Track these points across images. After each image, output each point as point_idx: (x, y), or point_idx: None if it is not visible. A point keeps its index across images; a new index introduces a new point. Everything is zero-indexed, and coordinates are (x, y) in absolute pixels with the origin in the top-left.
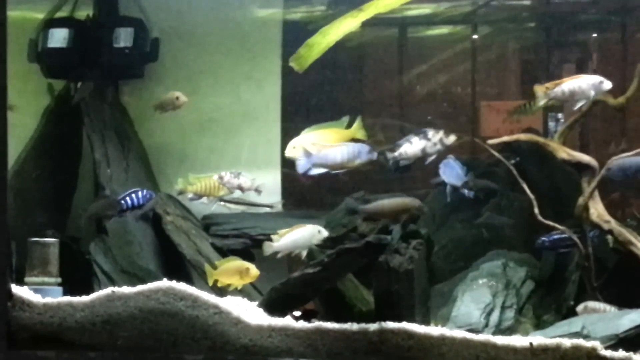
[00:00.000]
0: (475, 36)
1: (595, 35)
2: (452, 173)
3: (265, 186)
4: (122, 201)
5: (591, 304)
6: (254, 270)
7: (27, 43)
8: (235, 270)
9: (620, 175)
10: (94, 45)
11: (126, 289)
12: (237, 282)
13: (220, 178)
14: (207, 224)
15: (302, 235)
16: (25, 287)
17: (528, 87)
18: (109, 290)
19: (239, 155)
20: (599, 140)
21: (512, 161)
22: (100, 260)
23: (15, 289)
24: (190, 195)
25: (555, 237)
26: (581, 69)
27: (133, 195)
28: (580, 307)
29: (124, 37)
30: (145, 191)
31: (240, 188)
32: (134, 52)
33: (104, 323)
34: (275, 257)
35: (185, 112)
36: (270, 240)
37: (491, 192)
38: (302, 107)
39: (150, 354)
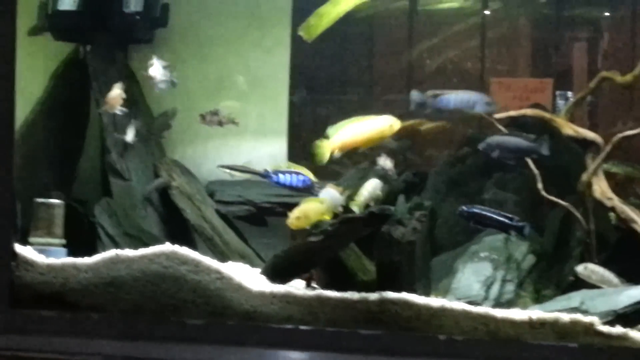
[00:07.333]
0: (486, 11)
1: (607, 12)
2: None
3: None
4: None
5: (591, 265)
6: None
7: (36, 5)
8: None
9: (496, 151)
10: (104, 8)
11: (130, 252)
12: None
13: (203, 117)
14: (212, 190)
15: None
16: (29, 248)
17: (539, 64)
18: (112, 252)
19: (246, 124)
20: (608, 119)
21: None
22: (105, 223)
23: (19, 248)
24: None
25: (476, 210)
26: (592, 46)
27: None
28: (580, 267)
29: (134, 2)
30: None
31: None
32: (144, 17)
33: (107, 285)
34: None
35: (193, 78)
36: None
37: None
38: (311, 77)
39: (152, 317)
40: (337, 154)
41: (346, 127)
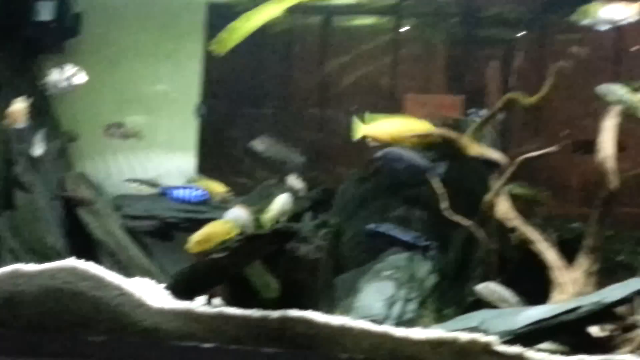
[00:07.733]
0: (401, 29)
1: (520, 33)
2: None
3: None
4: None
5: (492, 285)
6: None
7: None
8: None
9: (390, 163)
10: (14, 17)
11: (30, 267)
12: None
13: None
14: (118, 204)
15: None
16: None
17: (451, 82)
18: (13, 267)
19: (155, 137)
20: (519, 138)
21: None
22: (6, 236)
23: None
24: None
25: (381, 229)
26: (506, 65)
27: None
28: (480, 286)
29: (44, 11)
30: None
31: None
32: (55, 27)
33: (6, 300)
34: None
35: (104, 90)
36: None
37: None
38: (222, 91)
39: (52, 333)
40: (370, 141)
41: (384, 120)
